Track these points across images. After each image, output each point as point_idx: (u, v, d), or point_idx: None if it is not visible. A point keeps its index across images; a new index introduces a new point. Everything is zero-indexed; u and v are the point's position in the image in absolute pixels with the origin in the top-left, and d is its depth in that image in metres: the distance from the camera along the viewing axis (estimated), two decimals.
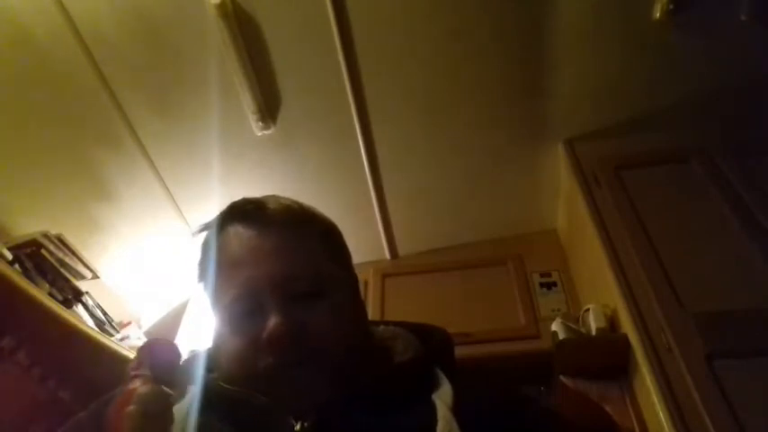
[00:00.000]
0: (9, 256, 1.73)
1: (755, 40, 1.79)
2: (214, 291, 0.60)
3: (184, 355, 0.59)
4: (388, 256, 2.44)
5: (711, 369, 1.37)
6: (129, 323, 2.25)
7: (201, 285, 0.64)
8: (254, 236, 0.59)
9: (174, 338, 2.34)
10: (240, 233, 0.60)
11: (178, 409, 0.56)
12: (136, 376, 0.40)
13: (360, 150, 2.07)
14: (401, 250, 2.46)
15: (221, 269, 0.60)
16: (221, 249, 0.61)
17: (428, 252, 2.44)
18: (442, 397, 0.54)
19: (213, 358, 0.63)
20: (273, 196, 0.65)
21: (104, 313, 2.09)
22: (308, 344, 0.53)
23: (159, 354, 0.38)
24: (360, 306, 0.65)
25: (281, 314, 0.53)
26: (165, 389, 0.38)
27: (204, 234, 0.65)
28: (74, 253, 2.06)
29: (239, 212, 0.62)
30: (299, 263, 0.58)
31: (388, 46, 1.84)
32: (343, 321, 0.57)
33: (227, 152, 2.04)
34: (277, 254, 0.58)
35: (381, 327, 0.69)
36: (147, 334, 2.31)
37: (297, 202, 0.65)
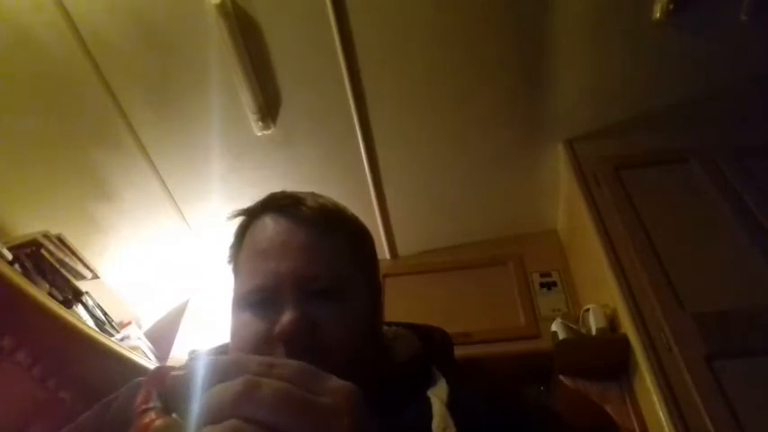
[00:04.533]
0: (9, 256, 1.73)
1: (755, 40, 1.79)
2: (239, 275, 0.62)
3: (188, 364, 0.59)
4: (388, 256, 2.44)
5: (711, 369, 1.37)
6: (129, 323, 2.25)
7: (230, 266, 0.66)
8: (283, 230, 0.60)
9: (173, 338, 2.35)
10: (272, 225, 0.61)
11: None
12: (147, 409, 0.38)
13: (360, 150, 2.07)
14: (401, 250, 2.46)
15: (248, 257, 0.61)
16: (252, 237, 0.62)
17: (428, 252, 2.44)
18: (438, 393, 0.54)
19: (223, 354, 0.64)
20: (312, 194, 0.66)
21: (104, 313, 2.09)
22: (317, 342, 0.54)
23: (170, 383, 0.36)
24: (377, 316, 0.65)
25: (295, 310, 0.54)
26: (179, 420, 0.36)
27: (239, 219, 0.66)
28: (74, 253, 2.06)
29: (275, 205, 0.63)
30: (322, 263, 0.59)
31: (388, 46, 1.84)
32: (356, 328, 0.57)
33: (227, 152, 2.04)
34: (303, 251, 0.58)
35: (384, 327, 0.69)
36: (147, 334, 2.31)
37: (334, 203, 0.66)
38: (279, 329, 0.53)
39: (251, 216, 0.64)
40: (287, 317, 0.54)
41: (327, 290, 0.57)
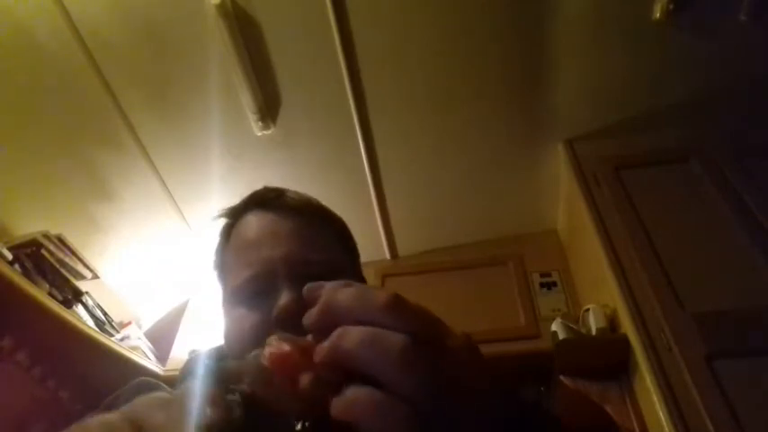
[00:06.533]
0: (9, 256, 1.73)
1: (755, 40, 1.79)
2: (229, 273, 0.61)
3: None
4: (388, 256, 2.44)
5: (711, 369, 1.37)
6: (129, 323, 2.25)
7: (216, 271, 0.66)
8: (272, 220, 0.61)
9: (173, 338, 2.34)
10: (259, 217, 0.62)
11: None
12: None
13: (360, 150, 2.07)
14: (401, 250, 2.46)
15: (238, 251, 0.61)
16: (239, 233, 0.62)
17: (428, 252, 2.44)
18: None
19: (218, 355, 0.63)
20: (293, 190, 0.67)
21: (104, 313, 2.09)
22: None
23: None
24: None
25: (292, 292, 0.54)
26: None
27: (222, 221, 0.67)
28: (74, 253, 2.06)
29: (259, 199, 0.64)
30: (315, 247, 0.59)
31: (389, 46, 1.84)
32: None
33: (227, 152, 2.04)
34: (293, 237, 0.59)
35: None
36: (147, 334, 2.31)
37: (315, 198, 0.68)
38: (276, 312, 0.53)
39: (235, 216, 0.64)
40: (284, 299, 0.53)
41: (321, 274, 0.57)
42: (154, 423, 0.36)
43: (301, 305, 0.52)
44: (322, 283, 0.37)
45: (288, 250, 0.57)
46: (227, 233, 0.65)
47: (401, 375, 0.31)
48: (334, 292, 0.35)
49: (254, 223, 0.61)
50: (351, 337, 0.32)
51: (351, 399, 0.32)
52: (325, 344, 0.33)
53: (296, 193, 0.65)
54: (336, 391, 0.33)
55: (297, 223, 0.60)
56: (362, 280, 0.67)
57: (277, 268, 0.56)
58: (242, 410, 0.36)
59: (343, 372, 0.33)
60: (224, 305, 0.61)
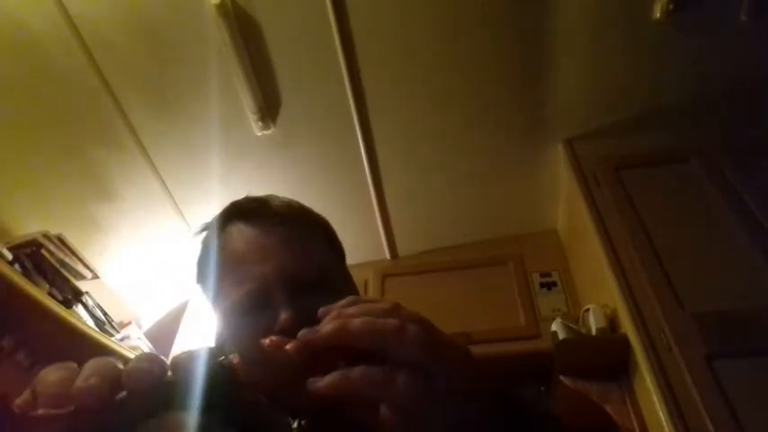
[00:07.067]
0: (9, 256, 1.73)
1: (755, 40, 1.79)
2: (219, 289, 0.61)
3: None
4: (388, 256, 2.44)
5: (711, 369, 1.37)
6: (129, 323, 2.25)
7: (201, 285, 0.65)
8: (259, 232, 0.60)
9: (173, 338, 2.34)
10: (244, 230, 0.61)
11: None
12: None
13: (360, 150, 2.07)
14: (401, 250, 2.46)
15: (226, 267, 0.60)
16: (225, 248, 0.61)
17: (428, 252, 2.44)
18: None
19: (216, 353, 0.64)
20: (271, 195, 0.66)
21: (104, 313, 2.09)
22: None
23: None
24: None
25: (290, 308, 0.54)
26: None
27: (204, 234, 0.66)
28: (74, 253, 2.06)
29: (242, 210, 0.63)
30: (306, 255, 0.59)
31: (389, 46, 1.84)
32: None
33: (227, 152, 2.04)
34: (284, 248, 0.59)
35: None
36: (147, 334, 2.31)
37: (296, 201, 0.67)
38: (278, 330, 0.53)
39: (218, 227, 0.63)
40: (283, 315, 0.54)
41: (315, 281, 0.57)
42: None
43: (300, 318, 0.53)
44: (333, 306, 0.41)
45: (280, 264, 0.57)
46: (212, 246, 0.63)
47: (403, 342, 0.35)
48: (342, 311, 0.39)
49: (240, 237, 0.60)
50: (354, 321, 0.37)
51: (343, 373, 0.36)
52: (329, 326, 0.37)
53: (278, 199, 0.65)
54: (313, 367, 0.37)
55: (284, 233, 0.60)
56: (349, 277, 0.67)
57: (271, 282, 0.56)
58: (217, 372, 0.38)
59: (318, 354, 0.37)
60: (218, 318, 0.61)
